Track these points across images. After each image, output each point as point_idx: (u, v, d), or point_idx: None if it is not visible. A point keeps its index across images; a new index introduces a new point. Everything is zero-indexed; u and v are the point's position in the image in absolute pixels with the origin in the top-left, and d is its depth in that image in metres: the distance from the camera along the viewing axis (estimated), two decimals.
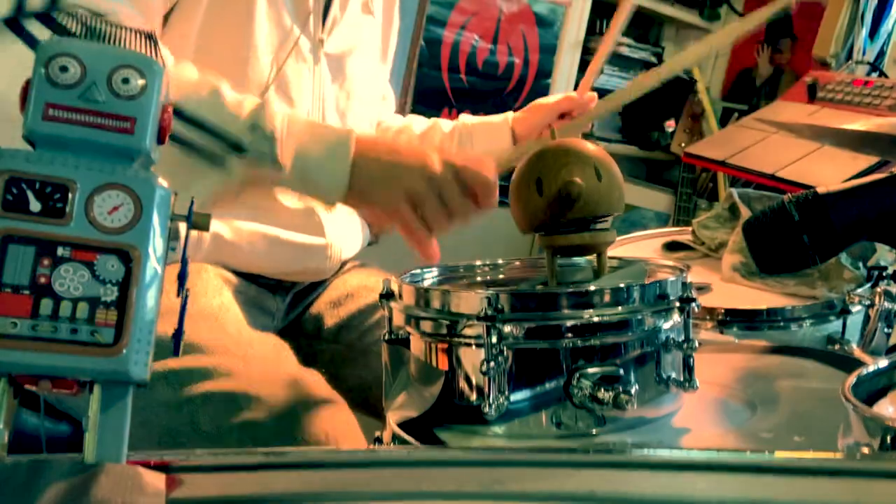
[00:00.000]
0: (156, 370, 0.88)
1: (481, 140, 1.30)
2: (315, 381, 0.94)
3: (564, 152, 0.74)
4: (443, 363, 0.70)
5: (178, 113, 0.87)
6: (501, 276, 0.86)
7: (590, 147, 0.75)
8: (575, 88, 1.28)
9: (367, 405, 1.10)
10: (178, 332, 0.46)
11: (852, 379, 0.56)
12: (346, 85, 1.17)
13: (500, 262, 0.87)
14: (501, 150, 1.27)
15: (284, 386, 0.90)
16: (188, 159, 0.89)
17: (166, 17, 0.99)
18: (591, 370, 0.65)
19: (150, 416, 0.88)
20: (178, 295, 0.47)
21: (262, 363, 0.92)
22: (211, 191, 0.93)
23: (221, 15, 1.01)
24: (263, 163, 0.90)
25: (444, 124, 1.32)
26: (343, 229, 1.18)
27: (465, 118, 1.33)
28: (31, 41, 0.78)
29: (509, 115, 1.31)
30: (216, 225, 1.04)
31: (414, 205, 0.92)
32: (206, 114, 0.89)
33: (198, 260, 1.04)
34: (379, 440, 0.75)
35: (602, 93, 1.25)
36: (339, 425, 0.90)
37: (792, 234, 0.69)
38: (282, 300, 1.17)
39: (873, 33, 1.91)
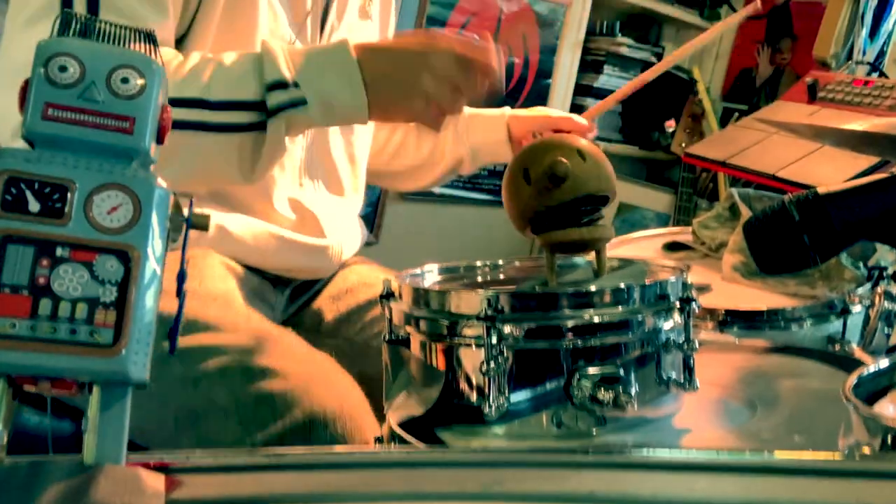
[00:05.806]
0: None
1: (477, 131, 1.31)
2: (326, 358, 0.95)
3: (548, 143, 0.75)
4: (443, 363, 0.70)
5: (203, 103, 0.89)
6: (501, 277, 0.86)
7: (573, 138, 0.76)
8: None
9: (369, 400, 1.10)
10: (175, 331, 0.46)
11: (853, 379, 0.56)
12: None
13: (500, 262, 0.87)
14: (496, 142, 1.29)
15: (298, 360, 0.91)
16: (238, 141, 0.91)
17: (182, 39, 1.00)
18: (591, 371, 0.65)
19: (167, 395, 0.88)
20: (178, 294, 0.47)
21: (273, 341, 0.93)
22: (271, 156, 0.95)
23: (230, 31, 1.01)
24: (291, 108, 0.92)
25: None
26: (343, 230, 1.19)
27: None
28: None
29: (507, 109, 1.32)
30: (221, 217, 1.05)
31: (429, 98, 0.95)
32: (222, 93, 0.90)
33: (202, 245, 1.04)
34: (379, 440, 0.75)
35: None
36: (353, 400, 0.91)
37: (792, 234, 0.69)
38: (282, 293, 1.18)
39: (873, 33, 1.91)
